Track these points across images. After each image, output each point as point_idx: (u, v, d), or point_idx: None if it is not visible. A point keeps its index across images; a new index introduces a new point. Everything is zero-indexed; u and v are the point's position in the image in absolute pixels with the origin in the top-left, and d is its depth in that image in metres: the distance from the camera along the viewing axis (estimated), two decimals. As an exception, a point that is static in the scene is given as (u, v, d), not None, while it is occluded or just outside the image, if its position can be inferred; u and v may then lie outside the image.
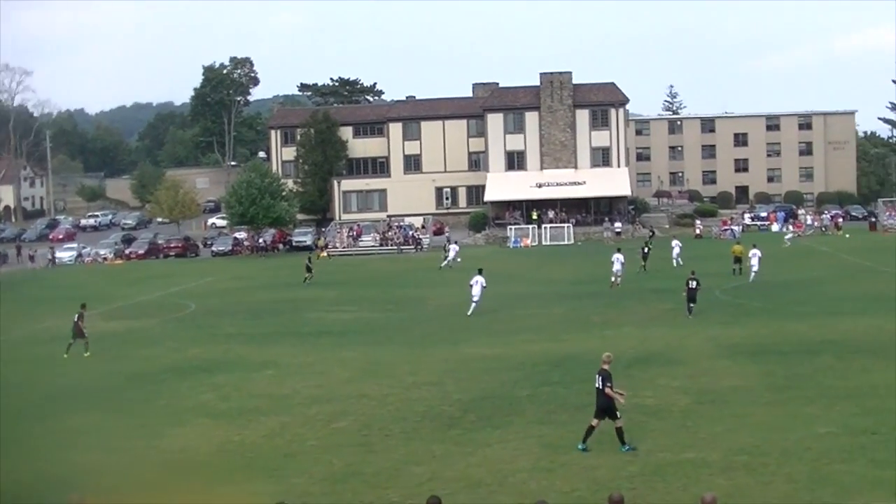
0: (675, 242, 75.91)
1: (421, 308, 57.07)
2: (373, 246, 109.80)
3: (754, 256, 63.55)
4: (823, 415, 27.01)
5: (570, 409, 28.73)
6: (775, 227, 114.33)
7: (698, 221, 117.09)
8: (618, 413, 24.72)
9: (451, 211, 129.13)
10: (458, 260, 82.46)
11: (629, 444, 24.66)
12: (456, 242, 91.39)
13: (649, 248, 74.34)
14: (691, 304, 49.04)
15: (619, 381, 32.01)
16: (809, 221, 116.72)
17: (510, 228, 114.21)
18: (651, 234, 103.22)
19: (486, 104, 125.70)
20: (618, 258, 63.44)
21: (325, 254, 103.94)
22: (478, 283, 53.24)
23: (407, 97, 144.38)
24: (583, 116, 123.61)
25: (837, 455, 23.33)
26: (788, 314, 47.54)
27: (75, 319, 44.18)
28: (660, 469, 22.87)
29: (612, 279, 63.23)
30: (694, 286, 49.18)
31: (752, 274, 62.85)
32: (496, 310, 53.97)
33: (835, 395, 29.32)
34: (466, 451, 25.05)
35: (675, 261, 73.97)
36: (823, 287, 58.26)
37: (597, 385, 24.86)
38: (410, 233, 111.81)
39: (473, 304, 52.74)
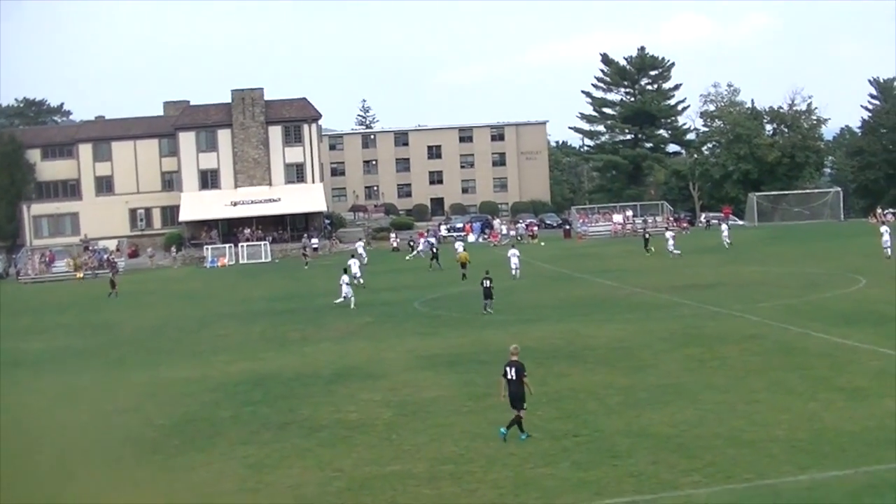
0: (511, 252, 73.81)
1: (118, 332, 56.04)
2: (66, 271, 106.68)
3: (514, 256, 69.55)
4: (525, 420, 27.02)
5: (273, 428, 28.79)
6: (472, 238, 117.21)
7: (394, 234, 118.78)
8: (524, 405, 25.65)
9: (146, 232, 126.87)
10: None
11: (507, 431, 25.62)
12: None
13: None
14: (487, 301, 52.26)
15: (321, 397, 32.72)
16: (505, 231, 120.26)
17: (206, 248, 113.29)
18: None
19: (177, 123, 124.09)
20: (514, 253, 64.14)
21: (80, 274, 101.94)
22: (345, 281, 59.50)
23: (96, 117, 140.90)
24: (276, 133, 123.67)
25: (541, 459, 23.83)
26: (486, 323, 48.31)
27: None
28: (366, 483, 22.97)
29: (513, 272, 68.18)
30: (488, 285, 52.55)
31: (516, 272, 68.30)
32: (195, 330, 53.73)
33: (535, 400, 29.07)
34: (171, 477, 24.79)
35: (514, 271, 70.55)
36: (520, 295, 59.60)
37: (509, 377, 25.69)
38: (105, 256, 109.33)
39: (349, 298, 58.38)
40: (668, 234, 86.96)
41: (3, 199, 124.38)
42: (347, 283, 60.02)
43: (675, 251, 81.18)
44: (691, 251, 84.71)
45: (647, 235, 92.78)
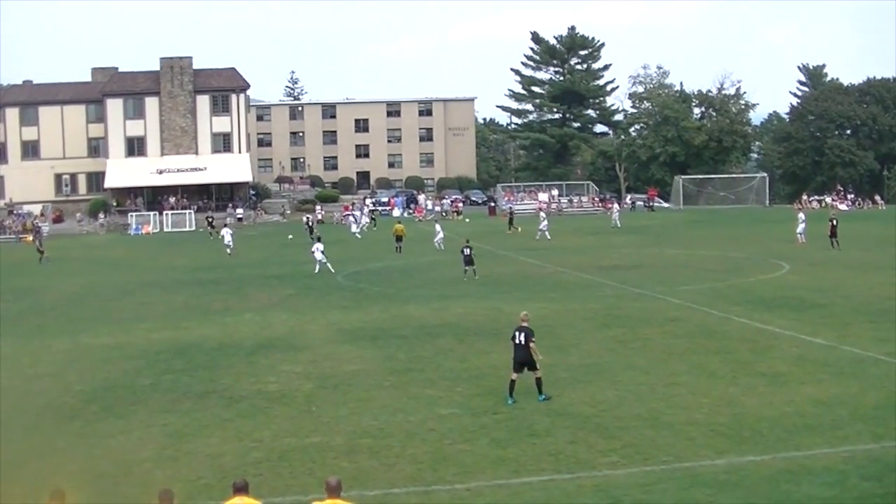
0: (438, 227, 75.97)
1: (40, 298, 55.46)
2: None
3: (440, 232, 74.15)
4: (445, 396, 27.60)
5: (194, 397, 28.75)
6: (396, 213, 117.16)
7: (319, 207, 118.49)
8: (538, 366, 26.31)
9: (70, 198, 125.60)
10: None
11: (545, 394, 26.44)
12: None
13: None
14: (467, 268, 55.01)
15: (242, 368, 32.64)
16: (430, 206, 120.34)
17: (131, 216, 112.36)
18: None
19: (105, 89, 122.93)
20: (318, 248, 63.70)
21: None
22: (318, 250, 61.09)
23: (24, 81, 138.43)
24: (203, 102, 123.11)
25: (460, 435, 23.95)
26: (408, 298, 48.33)
27: None
28: (285, 454, 23.00)
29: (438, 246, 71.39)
30: (468, 253, 55.25)
31: (440, 245, 71.43)
32: (118, 297, 53.34)
33: (455, 376, 29.91)
34: (90, 443, 24.69)
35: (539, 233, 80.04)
36: (442, 271, 59.73)
37: (517, 341, 26.42)
38: (30, 221, 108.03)
39: (324, 264, 60.21)
40: (615, 211, 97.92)
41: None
42: (321, 251, 61.33)
43: (618, 224, 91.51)
44: (616, 232, 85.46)
45: (511, 215, 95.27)
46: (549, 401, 26.49)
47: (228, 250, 76.08)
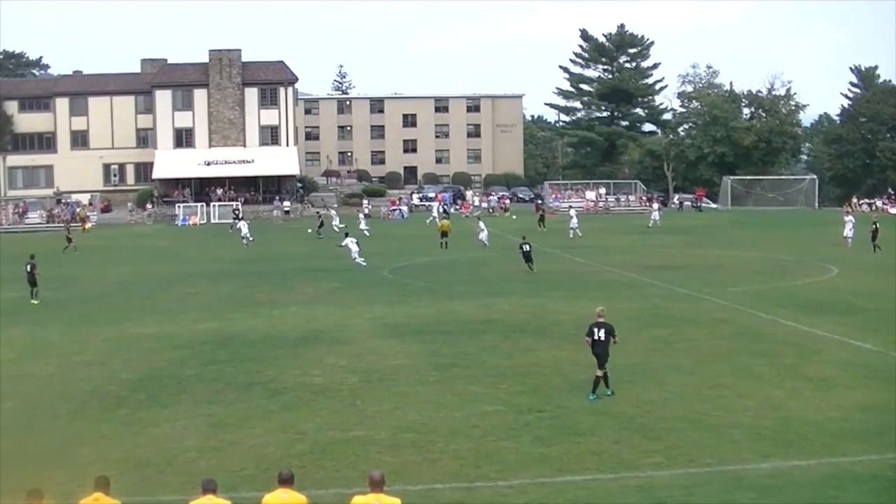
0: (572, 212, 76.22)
1: (87, 286, 55.90)
2: (39, 223, 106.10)
3: (574, 219, 79.86)
4: (489, 393, 27.53)
5: (238, 388, 28.86)
6: (435, 210, 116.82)
7: (366, 201, 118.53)
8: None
9: (118, 188, 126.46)
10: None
11: (612, 389, 27.00)
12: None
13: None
14: (529, 264, 55.87)
15: (287, 360, 32.73)
16: (477, 203, 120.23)
17: (178, 206, 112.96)
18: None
19: (154, 80, 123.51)
20: (351, 240, 63.68)
21: (88, 225, 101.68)
22: (353, 242, 61.89)
23: (74, 72, 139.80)
24: (252, 94, 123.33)
25: (503, 432, 23.88)
26: (453, 294, 48.23)
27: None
28: (328, 447, 23.00)
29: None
30: (527, 249, 56.19)
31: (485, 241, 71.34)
32: (164, 288, 53.65)
33: (500, 373, 29.84)
34: (134, 431, 24.83)
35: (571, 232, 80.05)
36: (488, 267, 59.69)
37: (597, 336, 26.65)
38: (77, 210, 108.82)
39: (359, 260, 60.53)
40: (655, 210, 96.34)
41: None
42: (354, 241, 62.48)
43: (658, 223, 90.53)
44: (662, 232, 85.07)
45: (543, 212, 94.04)
46: (599, 400, 26.51)
47: (245, 242, 79.26)
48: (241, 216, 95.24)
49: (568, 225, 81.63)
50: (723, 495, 19.58)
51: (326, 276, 56.54)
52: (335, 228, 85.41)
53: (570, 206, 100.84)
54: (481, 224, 73.94)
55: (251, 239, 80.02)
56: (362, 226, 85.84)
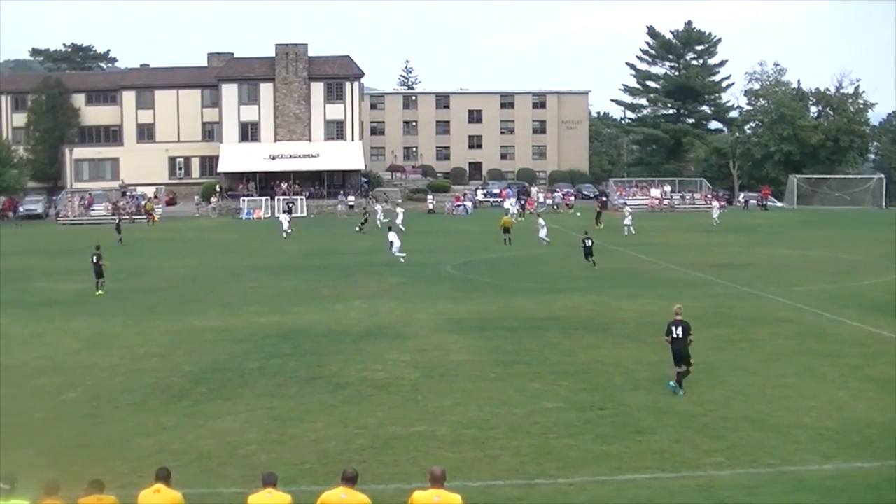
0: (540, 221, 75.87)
1: (151, 278, 56.42)
2: (105, 215, 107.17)
3: (629, 216, 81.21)
4: (551, 390, 27.43)
5: (300, 382, 28.95)
6: (507, 204, 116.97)
7: (430, 196, 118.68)
8: (691, 360, 27.22)
9: (183, 181, 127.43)
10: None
11: (683, 390, 26.94)
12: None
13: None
14: (590, 258, 57.12)
15: (349, 355, 32.81)
16: (542, 199, 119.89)
17: (243, 200, 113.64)
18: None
19: (220, 74, 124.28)
20: (394, 236, 63.77)
21: (156, 217, 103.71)
22: (395, 237, 62.96)
23: (141, 65, 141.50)
24: (318, 89, 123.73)
25: (564, 430, 23.81)
26: (516, 290, 48.12)
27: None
28: (389, 442, 23.03)
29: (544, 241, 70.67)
30: (589, 244, 57.51)
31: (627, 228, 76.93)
32: (227, 281, 54.04)
33: (562, 370, 29.74)
34: (196, 423, 24.99)
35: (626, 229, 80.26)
36: (552, 264, 59.58)
37: (675, 335, 27.06)
38: (143, 202, 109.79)
39: (400, 255, 61.03)
40: (716, 208, 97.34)
41: (47, 142, 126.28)
42: (396, 235, 63.57)
43: (716, 221, 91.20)
44: (726, 230, 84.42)
45: (600, 209, 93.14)
46: (675, 397, 26.54)
47: (284, 234, 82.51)
48: (289, 209, 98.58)
49: (623, 221, 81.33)
50: (784, 496, 19.39)
51: (389, 270, 56.65)
52: (378, 224, 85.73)
53: (626, 204, 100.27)
54: (541, 220, 73.82)
55: (289, 232, 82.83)
56: (399, 220, 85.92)
